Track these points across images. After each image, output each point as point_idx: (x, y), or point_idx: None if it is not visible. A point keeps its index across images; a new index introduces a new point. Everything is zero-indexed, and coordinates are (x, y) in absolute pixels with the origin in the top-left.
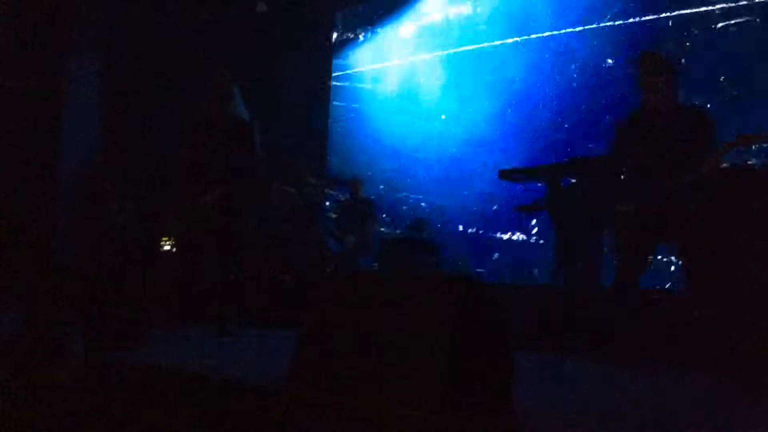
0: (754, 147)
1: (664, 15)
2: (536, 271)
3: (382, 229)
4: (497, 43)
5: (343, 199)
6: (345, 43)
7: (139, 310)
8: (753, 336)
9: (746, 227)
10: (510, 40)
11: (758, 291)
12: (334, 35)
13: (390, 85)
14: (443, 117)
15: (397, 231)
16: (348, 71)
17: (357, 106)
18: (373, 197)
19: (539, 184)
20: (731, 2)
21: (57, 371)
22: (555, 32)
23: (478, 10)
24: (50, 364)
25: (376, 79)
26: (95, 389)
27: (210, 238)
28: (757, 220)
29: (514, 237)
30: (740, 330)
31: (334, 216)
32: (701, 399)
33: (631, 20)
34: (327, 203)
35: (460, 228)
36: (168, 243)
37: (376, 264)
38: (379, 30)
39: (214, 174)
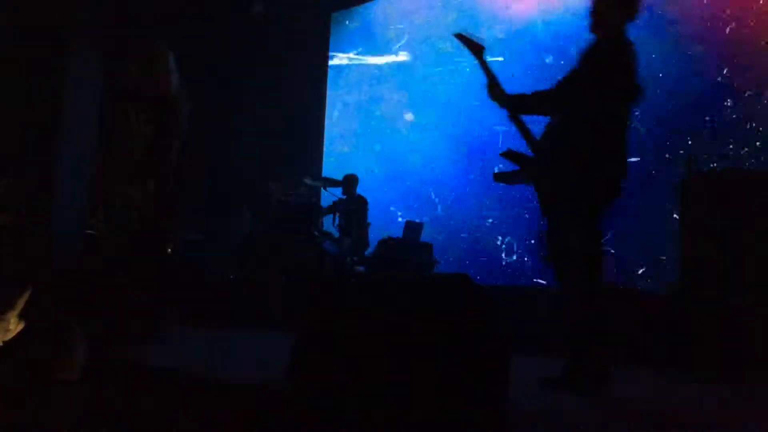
0: None
1: None
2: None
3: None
4: None
5: (337, 199)
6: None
7: (149, 310)
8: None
9: None
10: None
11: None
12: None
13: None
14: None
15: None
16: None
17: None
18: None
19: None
20: None
21: (57, 371)
22: None
23: None
24: (50, 364)
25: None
26: (96, 389)
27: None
28: None
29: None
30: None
31: (330, 215)
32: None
33: None
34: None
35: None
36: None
37: (370, 264)
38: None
39: (136, 164)
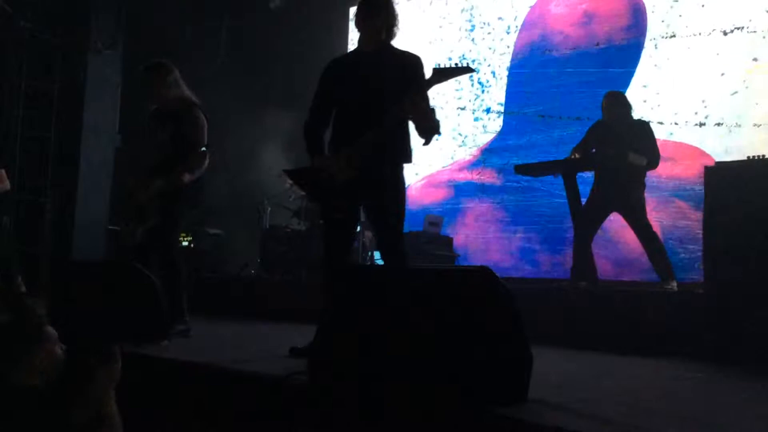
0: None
1: None
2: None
3: None
4: None
5: None
6: None
7: (160, 305)
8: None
9: None
10: None
11: None
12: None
13: None
14: None
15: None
16: None
17: None
18: None
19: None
20: None
21: (33, 367)
22: None
23: None
24: (25, 359)
25: None
26: (75, 384)
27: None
28: None
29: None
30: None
31: None
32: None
33: None
34: None
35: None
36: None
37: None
38: None
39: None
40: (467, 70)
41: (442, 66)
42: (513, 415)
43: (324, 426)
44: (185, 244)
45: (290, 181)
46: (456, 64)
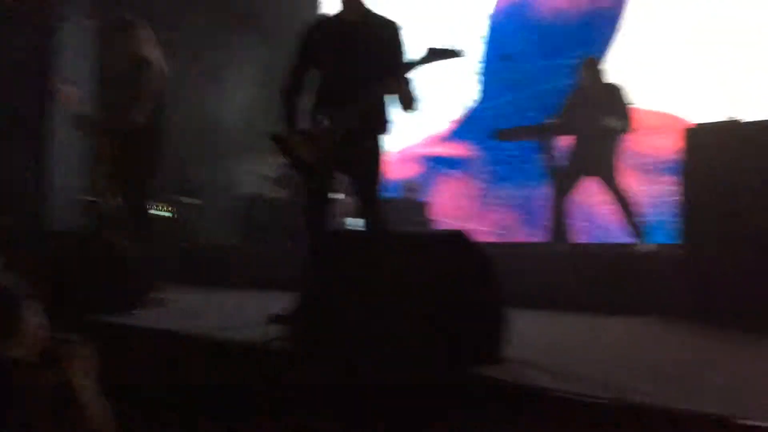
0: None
1: None
2: None
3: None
4: None
5: None
6: None
7: (134, 274)
8: None
9: None
10: None
11: None
12: None
13: None
14: None
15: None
16: None
17: None
18: None
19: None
20: None
21: (10, 348)
22: None
23: None
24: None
25: None
26: (57, 365)
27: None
28: None
29: None
30: None
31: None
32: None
33: None
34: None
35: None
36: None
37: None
38: None
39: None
40: (457, 54)
41: (434, 47)
42: (496, 375)
43: (305, 391)
44: (167, 215)
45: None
46: (448, 47)
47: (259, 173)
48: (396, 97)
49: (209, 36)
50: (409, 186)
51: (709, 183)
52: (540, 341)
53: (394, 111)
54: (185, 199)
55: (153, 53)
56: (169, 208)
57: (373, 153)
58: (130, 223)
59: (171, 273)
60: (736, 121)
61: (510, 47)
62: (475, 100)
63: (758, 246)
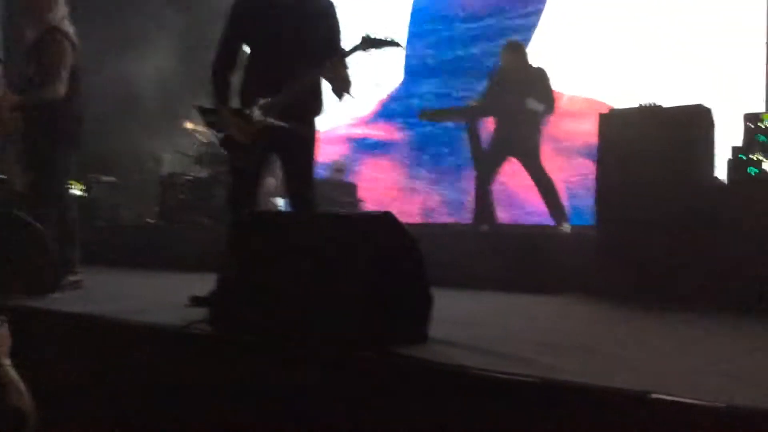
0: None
1: None
2: None
3: None
4: None
5: None
6: None
7: (50, 256)
8: None
9: None
10: None
11: None
12: None
13: None
14: None
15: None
16: None
17: None
18: None
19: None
20: None
21: None
22: None
23: None
24: None
25: None
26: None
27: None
28: None
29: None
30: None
31: None
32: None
33: None
34: None
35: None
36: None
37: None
38: None
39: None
40: (393, 44)
41: (371, 36)
42: (418, 354)
43: (226, 375)
44: (78, 193)
45: (204, 121)
46: (384, 36)
47: (178, 151)
48: (330, 81)
49: (127, 3)
50: (337, 166)
51: (619, 167)
52: (465, 319)
53: (324, 93)
54: (102, 177)
55: (65, 23)
56: (82, 187)
57: (306, 135)
58: (43, 202)
59: (86, 254)
60: (647, 107)
61: (431, 36)
62: (400, 82)
63: (661, 228)
